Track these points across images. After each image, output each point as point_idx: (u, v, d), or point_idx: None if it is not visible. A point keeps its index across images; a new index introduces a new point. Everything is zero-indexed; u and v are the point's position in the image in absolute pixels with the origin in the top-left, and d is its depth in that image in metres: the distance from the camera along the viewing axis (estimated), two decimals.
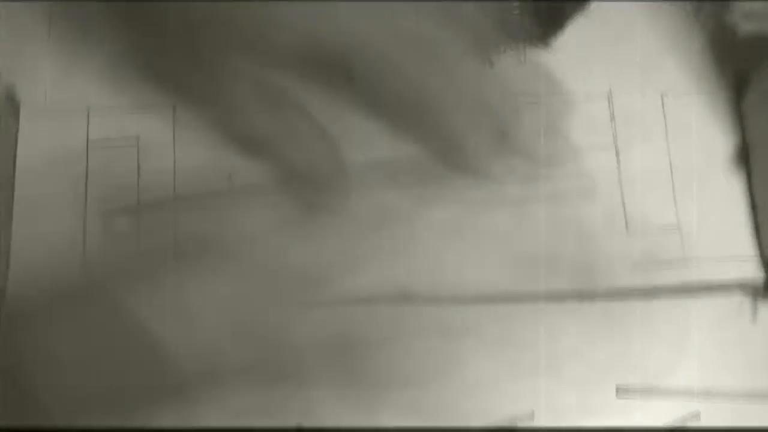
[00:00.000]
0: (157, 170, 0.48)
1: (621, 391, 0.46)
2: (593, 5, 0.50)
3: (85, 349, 0.46)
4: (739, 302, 0.48)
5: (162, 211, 0.47)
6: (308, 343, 0.46)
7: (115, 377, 0.45)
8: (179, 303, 0.46)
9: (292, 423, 0.45)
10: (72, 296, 0.46)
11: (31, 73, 0.49)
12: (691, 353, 0.47)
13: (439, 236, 0.48)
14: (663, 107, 0.51)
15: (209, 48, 0.45)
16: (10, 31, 0.50)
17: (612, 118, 0.50)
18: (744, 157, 0.50)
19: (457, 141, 0.47)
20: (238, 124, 0.47)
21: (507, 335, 0.47)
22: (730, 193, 0.50)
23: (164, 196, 0.48)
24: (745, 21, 0.50)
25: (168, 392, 0.45)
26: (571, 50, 0.51)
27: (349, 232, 0.48)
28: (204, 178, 0.48)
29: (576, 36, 0.51)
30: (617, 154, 0.50)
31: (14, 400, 0.45)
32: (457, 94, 0.45)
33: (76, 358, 0.46)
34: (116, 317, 0.46)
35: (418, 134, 0.47)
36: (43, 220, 0.47)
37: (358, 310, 0.47)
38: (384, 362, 0.46)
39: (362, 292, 0.47)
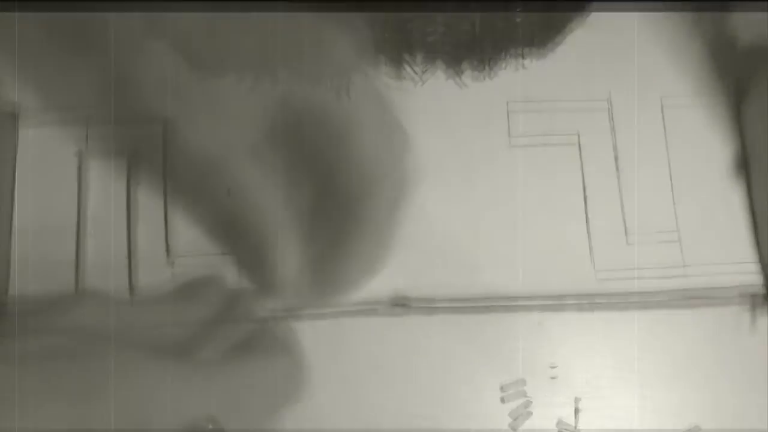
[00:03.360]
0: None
1: None
2: (593, 15, 0.50)
3: None
4: (738, 311, 0.48)
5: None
6: None
7: None
8: None
9: None
10: None
11: (31, 85, 0.49)
12: (690, 362, 0.48)
13: None
14: (662, 115, 0.51)
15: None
16: (10, 42, 0.50)
17: (611, 127, 0.50)
18: (743, 164, 0.50)
19: None
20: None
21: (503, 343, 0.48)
22: (730, 201, 0.50)
23: None
24: (745, 29, 0.50)
25: None
26: (571, 58, 0.51)
27: None
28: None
29: (576, 43, 0.51)
30: (617, 163, 0.50)
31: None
32: None
33: None
34: None
35: None
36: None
37: None
38: None
39: None
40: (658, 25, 0.52)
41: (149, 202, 0.48)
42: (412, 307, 0.47)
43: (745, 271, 0.49)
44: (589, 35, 0.51)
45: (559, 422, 0.46)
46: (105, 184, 0.48)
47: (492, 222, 0.49)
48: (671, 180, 0.50)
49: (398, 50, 0.48)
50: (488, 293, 0.48)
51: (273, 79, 0.42)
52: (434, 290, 0.47)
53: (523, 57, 0.50)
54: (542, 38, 0.49)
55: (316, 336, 0.47)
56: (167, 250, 0.47)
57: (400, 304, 0.47)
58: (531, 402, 0.46)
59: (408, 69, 0.50)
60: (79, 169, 0.48)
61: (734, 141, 0.51)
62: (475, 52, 0.48)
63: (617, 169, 0.50)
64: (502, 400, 0.46)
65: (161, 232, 0.48)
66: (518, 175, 0.50)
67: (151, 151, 0.49)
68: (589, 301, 0.48)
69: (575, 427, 0.46)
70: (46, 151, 0.49)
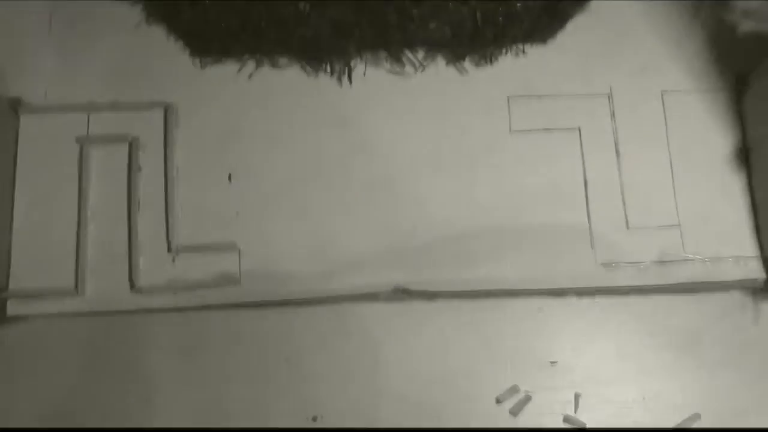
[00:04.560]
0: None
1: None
2: (593, 4, 0.50)
3: None
4: (740, 302, 0.48)
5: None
6: None
7: None
8: None
9: None
10: None
11: (32, 72, 0.50)
12: (691, 352, 0.47)
13: None
14: (663, 106, 0.51)
15: None
16: (11, 30, 0.50)
17: (612, 116, 0.50)
18: (744, 156, 0.50)
19: None
20: None
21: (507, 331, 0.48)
22: (731, 192, 0.50)
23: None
24: (745, 20, 0.50)
25: None
26: (572, 47, 0.51)
27: None
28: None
29: (576, 35, 0.51)
30: (618, 153, 0.50)
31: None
32: None
33: None
34: None
35: None
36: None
37: None
38: None
39: None
40: (659, 15, 0.52)
41: (151, 189, 0.48)
42: (414, 293, 0.47)
43: (747, 262, 0.48)
44: (590, 25, 0.51)
45: (566, 419, 0.46)
46: (106, 170, 0.49)
47: (493, 212, 0.49)
48: (672, 171, 0.50)
49: (400, 36, 0.48)
50: (489, 283, 0.47)
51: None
52: (435, 281, 0.47)
53: (523, 43, 0.50)
54: (543, 24, 0.49)
55: (316, 320, 0.47)
56: (168, 237, 0.48)
57: (401, 291, 0.47)
58: (530, 392, 0.46)
59: (409, 55, 0.50)
60: (80, 155, 0.48)
61: (735, 131, 0.50)
62: (476, 39, 0.48)
63: (618, 159, 0.50)
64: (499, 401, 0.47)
65: (162, 219, 0.48)
66: (519, 166, 0.50)
67: (152, 138, 0.49)
68: (589, 291, 0.48)
69: (575, 412, 0.46)
70: (47, 138, 0.49)
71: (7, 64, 0.49)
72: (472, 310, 0.47)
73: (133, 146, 0.49)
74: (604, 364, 0.47)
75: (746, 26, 0.50)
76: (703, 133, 0.50)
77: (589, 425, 0.46)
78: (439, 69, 0.51)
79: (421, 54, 0.50)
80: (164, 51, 0.50)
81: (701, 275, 0.48)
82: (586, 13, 0.51)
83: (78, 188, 0.48)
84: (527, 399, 0.46)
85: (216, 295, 0.47)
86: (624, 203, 0.49)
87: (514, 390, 0.46)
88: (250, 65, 0.50)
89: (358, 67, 0.50)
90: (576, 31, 0.51)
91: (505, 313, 0.48)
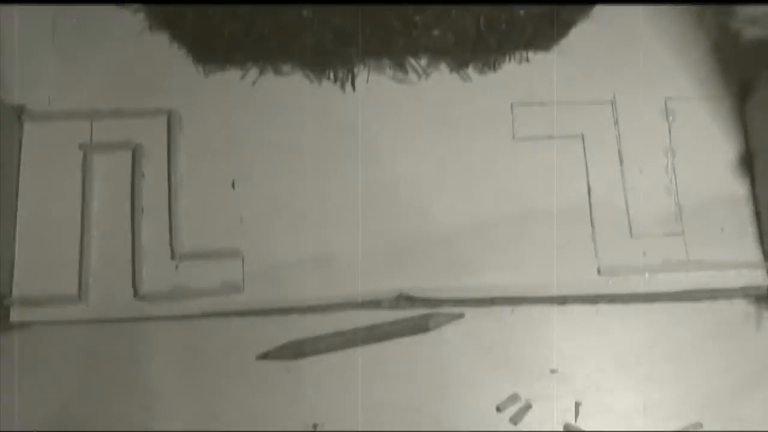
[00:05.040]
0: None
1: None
2: (596, 11, 0.50)
3: None
4: (743, 310, 0.48)
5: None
6: None
7: None
8: None
9: None
10: None
11: (36, 79, 0.50)
12: (694, 360, 0.47)
13: None
14: (666, 113, 0.51)
15: None
16: (15, 38, 0.50)
17: (616, 122, 0.50)
18: (748, 162, 0.50)
19: None
20: None
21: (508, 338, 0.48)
22: (734, 200, 0.50)
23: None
24: (749, 26, 0.50)
25: None
26: (576, 54, 0.51)
27: None
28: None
29: (580, 40, 0.51)
30: (621, 160, 0.50)
31: None
32: None
33: None
34: None
35: None
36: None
37: None
38: None
39: None
40: (663, 20, 0.52)
41: (154, 196, 0.48)
42: (416, 300, 0.47)
43: (750, 269, 0.48)
44: (593, 33, 0.51)
45: (566, 427, 0.46)
46: (110, 177, 0.49)
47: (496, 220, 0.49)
48: (675, 178, 0.50)
49: (403, 42, 0.48)
50: (492, 291, 0.47)
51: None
52: (438, 289, 0.47)
53: (526, 50, 0.50)
54: (546, 31, 0.49)
55: (319, 328, 0.47)
56: (171, 244, 0.48)
57: (404, 299, 0.47)
58: (531, 400, 0.46)
59: (412, 62, 0.50)
60: (84, 162, 0.48)
61: (739, 138, 0.50)
62: (480, 46, 0.48)
63: (621, 166, 0.50)
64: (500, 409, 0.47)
65: (165, 226, 0.48)
66: (522, 174, 0.50)
67: (155, 145, 0.49)
68: (591, 299, 0.48)
69: (575, 420, 0.46)
70: (50, 145, 0.49)
71: (10, 71, 0.49)
72: (474, 318, 0.47)
73: (136, 153, 0.49)
74: (605, 372, 0.47)
75: (750, 33, 0.50)
76: (707, 140, 0.50)
77: None
78: (443, 76, 0.51)
79: (424, 61, 0.50)
80: (167, 58, 0.50)
81: (704, 283, 0.48)
82: (589, 20, 0.50)
83: (81, 195, 0.48)
84: (527, 407, 0.46)
85: (219, 303, 0.47)
86: (627, 210, 0.49)
87: (514, 398, 0.46)
88: (254, 72, 0.50)
89: (362, 74, 0.50)
90: (579, 38, 0.51)
91: (506, 320, 0.48)
